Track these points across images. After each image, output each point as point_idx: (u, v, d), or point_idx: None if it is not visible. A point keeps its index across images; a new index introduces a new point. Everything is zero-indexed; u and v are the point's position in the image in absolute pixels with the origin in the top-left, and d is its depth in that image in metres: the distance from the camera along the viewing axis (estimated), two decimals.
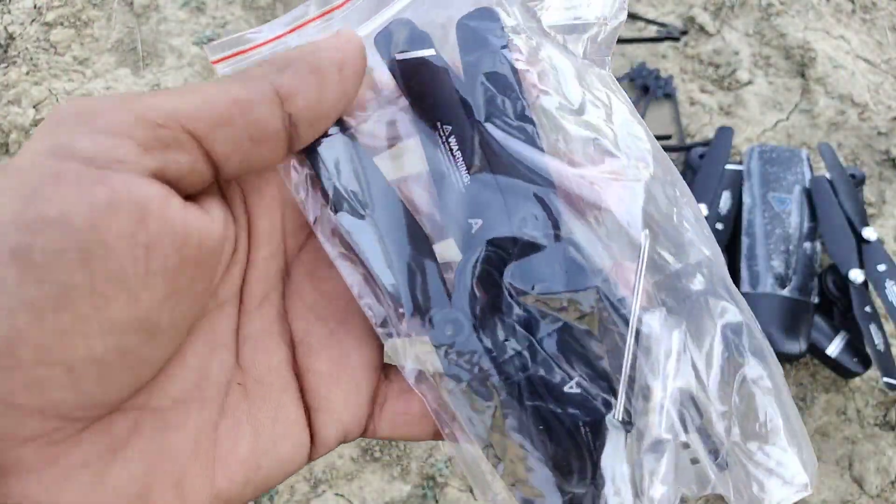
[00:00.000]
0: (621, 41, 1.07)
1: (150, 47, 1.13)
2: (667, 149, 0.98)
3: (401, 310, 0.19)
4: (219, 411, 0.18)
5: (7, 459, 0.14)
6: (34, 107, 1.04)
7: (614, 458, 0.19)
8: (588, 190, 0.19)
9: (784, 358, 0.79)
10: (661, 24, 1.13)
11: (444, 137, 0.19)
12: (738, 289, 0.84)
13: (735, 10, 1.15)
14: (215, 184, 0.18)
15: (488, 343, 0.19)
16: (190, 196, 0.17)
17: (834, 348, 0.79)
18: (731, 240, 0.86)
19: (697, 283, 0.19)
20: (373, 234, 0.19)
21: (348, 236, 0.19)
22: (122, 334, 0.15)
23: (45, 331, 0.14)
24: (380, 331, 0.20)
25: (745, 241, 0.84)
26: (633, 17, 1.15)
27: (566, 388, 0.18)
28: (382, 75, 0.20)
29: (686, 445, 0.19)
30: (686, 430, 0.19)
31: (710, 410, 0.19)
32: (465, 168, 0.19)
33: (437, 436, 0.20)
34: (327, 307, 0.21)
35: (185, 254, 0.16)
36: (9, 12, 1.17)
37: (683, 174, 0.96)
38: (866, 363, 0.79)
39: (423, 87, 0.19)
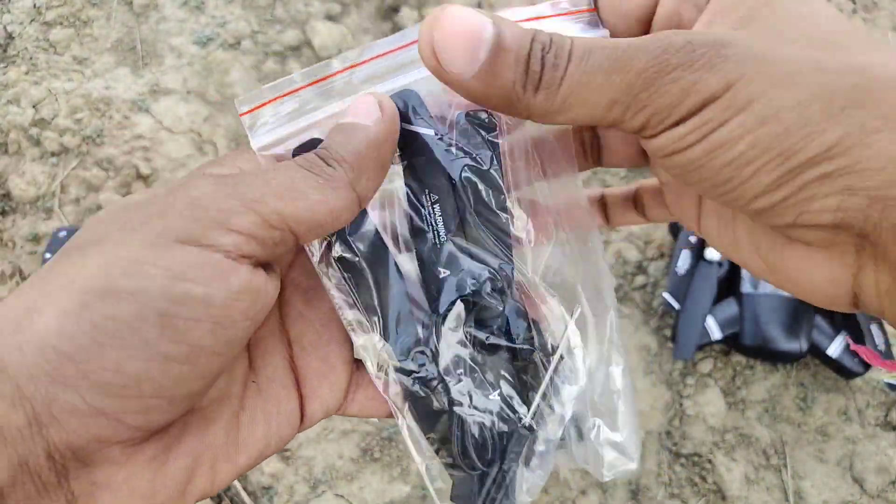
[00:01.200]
0: None
1: (150, 46, 1.13)
2: None
3: (376, 334, 0.25)
4: (240, 405, 0.23)
5: (102, 455, 0.19)
6: (33, 106, 1.04)
7: (516, 453, 0.25)
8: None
9: (785, 358, 0.79)
10: None
11: (430, 203, 0.24)
12: (740, 289, 0.84)
13: None
14: None
15: (431, 365, 0.25)
16: None
17: (835, 348, 0.79)
18: None
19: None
20: (363, 273, 0.25)
21: (340, 270, 0.25)
22: (215, 377, 0.21)
23: (168, 376, 0.19)
24: (354, 337, 0.25)
25: None
26: None
27: (490, 397, 0.25)
28: None
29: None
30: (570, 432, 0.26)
31: (585, 404, 0.26)
32: (444, 230, 0.24)
33: (390, 415, 0.26)
34: (313, 314, 0.26)
35: (265, 311, 0.21)
36: (8, 12, 1.17)
37: None
38: (867, 363, 0.79)
39: (419, 160, 0.24)
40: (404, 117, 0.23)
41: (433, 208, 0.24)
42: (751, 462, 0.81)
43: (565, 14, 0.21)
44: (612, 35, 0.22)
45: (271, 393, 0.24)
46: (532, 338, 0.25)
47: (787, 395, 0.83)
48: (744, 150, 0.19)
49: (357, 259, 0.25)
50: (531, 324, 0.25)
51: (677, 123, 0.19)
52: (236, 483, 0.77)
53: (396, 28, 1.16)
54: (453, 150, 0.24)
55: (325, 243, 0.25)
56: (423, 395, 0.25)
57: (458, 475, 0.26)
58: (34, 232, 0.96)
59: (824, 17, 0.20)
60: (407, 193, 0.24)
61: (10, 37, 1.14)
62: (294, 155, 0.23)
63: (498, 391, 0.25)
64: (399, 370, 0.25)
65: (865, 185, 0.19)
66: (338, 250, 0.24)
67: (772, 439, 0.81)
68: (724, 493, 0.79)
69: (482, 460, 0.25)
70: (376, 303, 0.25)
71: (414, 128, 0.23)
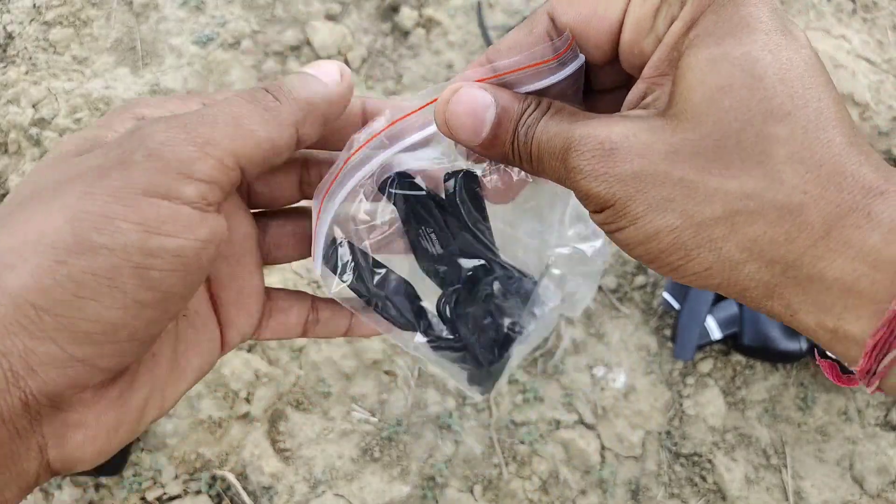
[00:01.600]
0: None
1: (150, 46, 1.13)
2: None
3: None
4: (176, 338, 0.26)
5: (75, 399, 0.21)
6: (33, 106, 1.04)
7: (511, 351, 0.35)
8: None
9: (785, 357, 0.79)
10: None
11: (426, 233, 0.30)
12: None
13: None
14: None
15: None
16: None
17: None
18: None
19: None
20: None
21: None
22: (176, 316, 0.24)
23: (142, 321, 0.21)
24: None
25: None
26: None
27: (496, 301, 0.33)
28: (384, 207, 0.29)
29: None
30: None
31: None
32: (439, 246, 0.31)
33: (302, 335, 0.30)
34: (228, 249, 0.27)
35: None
36: (8, 11, 1.17)
37: None
38: None
39: (415, 210, 0.29)
40: (398, 188, 0.29)
41: (430, 236, 0.30)
42: (751, 462, 0.81)
43: (544, 62, 0.25)
44: (588, 59, 0.25)
45: (198, 324, 0.27)
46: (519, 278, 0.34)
47: (787, 395, 0.83)
48: (649, 248, 0.22)
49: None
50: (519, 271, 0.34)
51: (596, 212, 0.23)
52: (236, 483, 0.77)
53: (396, 28, 1.16)
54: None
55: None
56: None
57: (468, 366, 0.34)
58: None
59: (771, 88, 0.20)
60: (406, 231, 0.30)
61: (9, 37, 1.14)
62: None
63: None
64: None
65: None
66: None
67: (772, 439, 0.81)
68: (724, 493, 0.79)
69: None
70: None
71: (407, 192, 0.29)
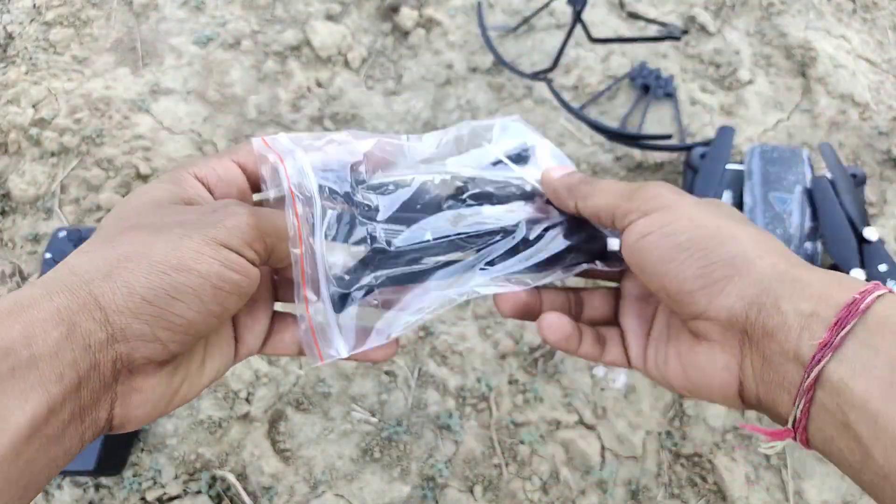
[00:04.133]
0: (622, 41, 1.06)
1: (150, 46, 1.13)
2: (668, 148, 0.97)
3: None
4: (206, 344, 0.34)
5: (143, 369, 0.29)
6: (33, 106, 1.04)
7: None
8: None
9: None
10: (662, 24, 1.12)
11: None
12: None
13: (736, 10, 1.15)
14: None
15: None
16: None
17: None
18: None
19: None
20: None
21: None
22: (218, 321, 0.32)
23: (206, 323, 0.30)
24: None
25: None
26: (633, 16, 1.15)
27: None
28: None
29: None
30: None
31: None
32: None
33: (298, 355, 0.38)
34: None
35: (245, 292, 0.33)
36: (8, 12, 1.17)
37: (684, 173, 0.95)
38: None
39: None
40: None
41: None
42: (751, 462, 0.80)
43: None
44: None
45: (222, 337, 0.35)
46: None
47: None
48: (681, 241, 0.32)
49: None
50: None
51: (640, 217, 0.34)
52: (236, 483, 0.77)
53: (396, 28, 1.16)
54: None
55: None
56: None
57: None
58: (34, 232, 0.96)
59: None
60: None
61: (9, 37, 1.14)
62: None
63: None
64: None
65: (749, 293, 0.30)
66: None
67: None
68: (725, 494, 0.79)
69: None
70: None
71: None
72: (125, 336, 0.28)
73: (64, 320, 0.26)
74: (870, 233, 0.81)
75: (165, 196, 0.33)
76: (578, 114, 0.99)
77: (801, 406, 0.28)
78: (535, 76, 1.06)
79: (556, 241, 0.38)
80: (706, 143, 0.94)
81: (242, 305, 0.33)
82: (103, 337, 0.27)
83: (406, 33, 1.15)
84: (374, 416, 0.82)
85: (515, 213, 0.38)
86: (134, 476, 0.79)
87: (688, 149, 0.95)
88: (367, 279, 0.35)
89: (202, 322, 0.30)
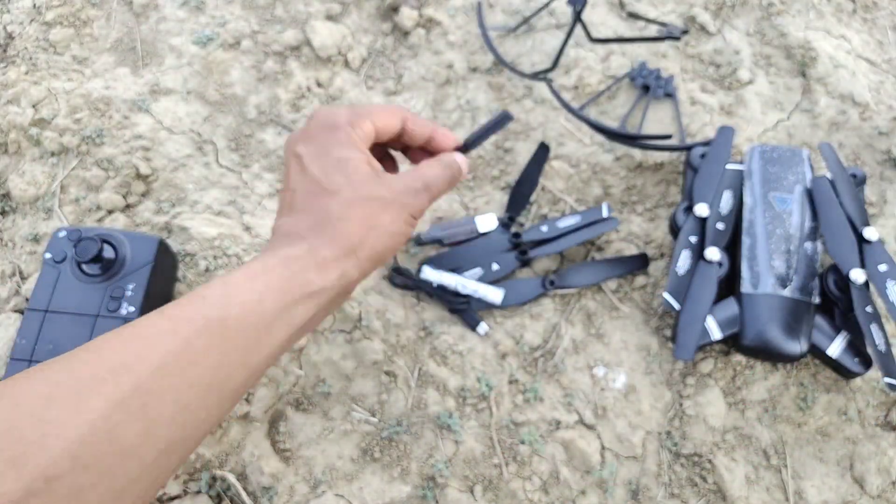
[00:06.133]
0: (622, 41, 1.06)
1: (150, 47, 1.13)
2: (668, 148, 0.97)
3: None
4: None
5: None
6: (33, 106, 1.04)
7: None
8: None
9: (785, 358, 0.79)
10: (662, 24, 1.12)
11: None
12: (740, 289, 0.85)
13: (736, 10, 1.15)
14: None
15: None
16: None
17: (835, 349, 0.79)
18: (731, 240, 0.86)
19: None
20: None
21: None
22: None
23: (388, 253, 0.53)
24: None
25: (746, 241, 0.84)
26: (633, 16, 1.15)
27: None
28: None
29: None
30: None
31: None
32: None
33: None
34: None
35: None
36: (8, 12, 1.17)
37: (684, 174, 0.95)
38: (867, 364, 0.79)
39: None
40: None
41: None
42: (751, 462, 0.80)
43: None
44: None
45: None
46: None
47: (788, 395, 0.83)
48: None
49: None
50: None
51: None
52: (236, 483, 0.77)
53: (396, 28, 1.16)
54: None
55: None
56: None
57: None
58: (34, 232, 0.96)
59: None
60: None
61: (9, 37, 1.14)
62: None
63: None
64: None
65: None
66: None
67: (772, 439, 0.81)
68: (725, 494, 0.79)
69: None
70: None
71: None
72: (357, 259, 0.49)
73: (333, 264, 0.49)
74: (870, 233, 0.81)
75: (363, 158, 0.49)
76: (578, 114, 0.99)
77: None
78: (535, 76, 1.06)
79: None
80: (706, 143, 0.94)
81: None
82: (356, 274, 0.49)
83: (406, 33, 1.15)
84: (374, 416, 0.82)
85: None
86: None
87: (688, 149, 0.95)
88: None
89: (387, 252, 0.51)
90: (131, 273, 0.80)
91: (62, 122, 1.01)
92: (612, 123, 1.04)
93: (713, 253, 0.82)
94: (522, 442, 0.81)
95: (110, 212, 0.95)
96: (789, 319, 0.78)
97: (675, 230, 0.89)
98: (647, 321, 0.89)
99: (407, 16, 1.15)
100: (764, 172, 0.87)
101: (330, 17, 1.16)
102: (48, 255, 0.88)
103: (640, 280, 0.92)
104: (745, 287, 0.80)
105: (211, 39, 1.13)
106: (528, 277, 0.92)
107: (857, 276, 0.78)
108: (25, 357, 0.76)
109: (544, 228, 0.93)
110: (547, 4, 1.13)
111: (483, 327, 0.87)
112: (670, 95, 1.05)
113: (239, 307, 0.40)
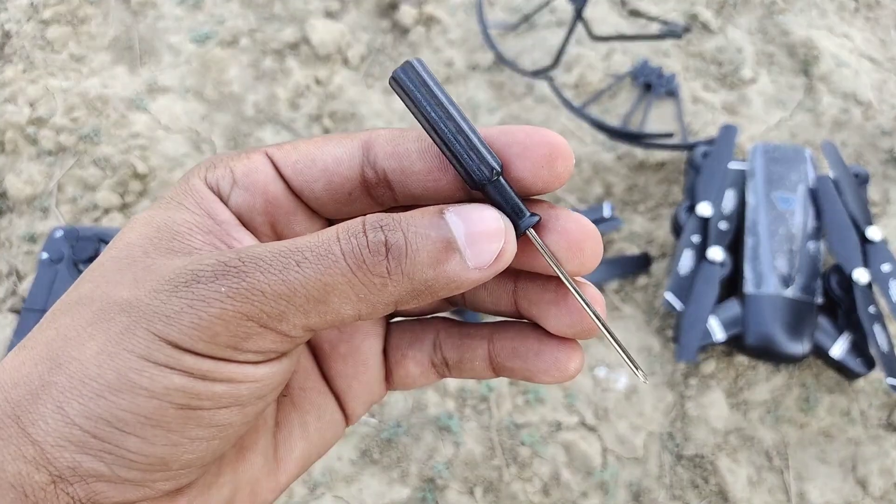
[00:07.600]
0: (624, 38, 1.06)
1: (147, 45, 1.12)
2: (670, 147, 0.97)
3: None
4: (275, 425, 0.23)
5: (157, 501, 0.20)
6: (30, 104, 1.03)
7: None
8: None
9: (788, 359, 0.78)
10: (664, 22, 1.12)
11: None
12: (743, 288, 0.84)
13: (738, 8, 1.14)
14: None
15: None
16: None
17: (838, 349, 0.78)
18: (734, 239, 0.85)
19: None
20: None
21: None
22: (242, 434, 0.22)
23: (194, 452, 0.20)
24: None
25: (749, 240, 0.83)
26: (635, 14, 1.14)
27: None
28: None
29: None
30: None
31: None
32: None
33: (435, 379, 0.26)
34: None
35: (288, 377, 0.22)
36: (5, 10, 1.16)
37: (687, 172, 0.95)
38: (870, 364, 0.78)
39: None
40: None
41: None
42: (753, 464, 0.80)
43: None
44: None
45: (307, 402, 0.24)
46: None
47: (790, 397, 0.83)
48: None
49: None
50: None
51: None
52: None
53: (395, 25, 1.15)
54: None
55: None
56: None
57: None
58: (31, 231, 0.95)
59: None
60: None
61: (7, 35, 1.13)
62: None
63: None
64: None
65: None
66: None
67: (774, 441, 0.81)
68: (727, 495, 0.78)
69: None
70: None
71: None
72: (76, 474, 0.19)
73: None
74: (873, 232, 0.80)
75: (154, 236, 0.21)
76: (580, 112, 0.98)
77: None
78: (536, 74, 1.06)
79: None
80: (709, 142, 0.93)
81: (314, 354, 0.24)
82: (45, 479, 0.18)
83: (406, 31, 1.14)
84: (373, 417, 0.82)
85: None
86: None
87: (690, 147, 0.94)
88: None
89: (186, 454, 0.19)
90: None
91: (59, 121, 1.01)
92: (613, 122, 1.03)
93: (716, 253, 0.81)
94: (523, 443, 0.80)
95: (107, 211, 0.95)
96: (792, 320, 0.77)
97: (677, 229, 0.88)
98: (648, 322, 0.88)
99: (407, 13, 1.14)
100: (767, 171, 0.87)
101: (329, 15, 1.15)
102: (45, 255, 0.88)
103: (642, 280, 0.91)
104: (748, 287, 0.80)
105: (209, 37, 1.12)
106: None
107: (861, 275, 0.77)
108: None
109: None
110: (548, 2, 1.12)
111: None
112: (672, 94, 1.05)
113: None
